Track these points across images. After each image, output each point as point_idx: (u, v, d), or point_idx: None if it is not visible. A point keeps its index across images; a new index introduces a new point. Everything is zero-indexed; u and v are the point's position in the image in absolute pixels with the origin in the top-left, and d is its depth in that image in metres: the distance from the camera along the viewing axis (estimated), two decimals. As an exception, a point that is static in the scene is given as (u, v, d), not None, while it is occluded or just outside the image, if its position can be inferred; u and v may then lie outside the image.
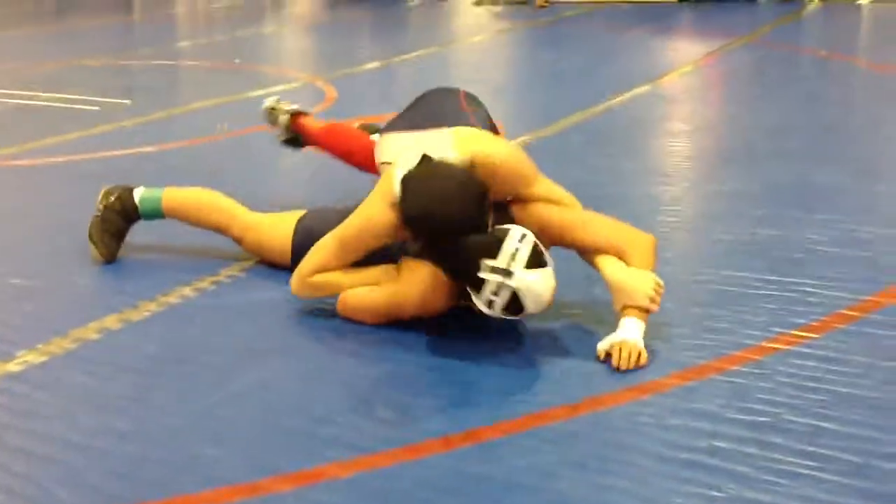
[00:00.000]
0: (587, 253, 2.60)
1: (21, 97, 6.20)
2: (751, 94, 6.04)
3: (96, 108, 5.83)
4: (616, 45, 8.15)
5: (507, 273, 2.35)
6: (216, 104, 5.95)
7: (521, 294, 2.35)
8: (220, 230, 3.13)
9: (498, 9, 10.87)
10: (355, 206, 2.72)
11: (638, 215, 3.12)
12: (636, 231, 2.61)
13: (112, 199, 3.16)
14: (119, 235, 3.17)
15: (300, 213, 3.02)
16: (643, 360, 2.35)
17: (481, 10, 10.85)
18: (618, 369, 2.33)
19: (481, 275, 2.35)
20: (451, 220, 2.41)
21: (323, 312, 2.72)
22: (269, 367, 2.45)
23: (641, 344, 2.37)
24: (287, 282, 2.73)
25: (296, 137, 3.68)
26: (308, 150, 3.79)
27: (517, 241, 2.37)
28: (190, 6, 12.16)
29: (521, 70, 7.68)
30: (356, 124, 3.64)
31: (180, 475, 1.97)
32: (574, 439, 2.08)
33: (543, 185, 2.69)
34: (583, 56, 7.64)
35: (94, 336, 2.64)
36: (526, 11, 10.44)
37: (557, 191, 2.71)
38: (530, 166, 2.70)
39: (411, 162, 2.57)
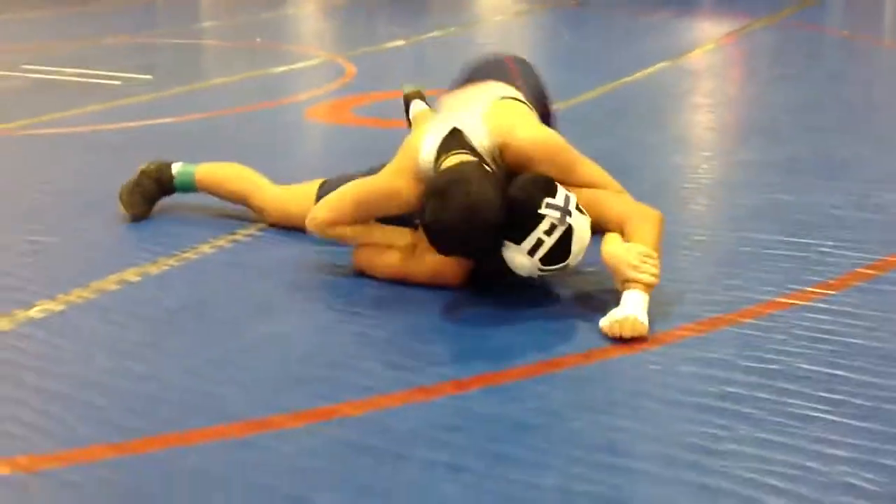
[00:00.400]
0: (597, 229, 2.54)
1: (45, 72, 6.26)
2: (772, 72, 6.01)
3: (118, 82, 5.88)
4: (639, 26, 8.12)
5: (566, 211, 2.35)
6: (238, 80, 5.99)
7: (573, 235, 2.35)
8: (246, 202, 3.16)
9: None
10: (378, 169, 2.73)
11: (659, 182, 3.13)
12: (642, 207, 2.55)
13: (151, 167, 3.24)
14: (150, 199, 3.24)
15: (320, 180, 3.04)
16: (642, 331, 2.28)
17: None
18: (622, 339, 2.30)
19: (542, 210, 2.34)
20: (467, 241, 2.34)
21: (340, 268, 2.74)
22: (286, 320, 2.47)
23: (642, 317, 2.30)
24: (303, 240, 2.75)
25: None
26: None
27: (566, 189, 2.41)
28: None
29: (543, 49, 7.66)
30: (405, 90, 3.51)
31: (195, 412, 2.00)
32: (585, 383, 2.09)
33: (584, 172, 2.59)
34: (605, 36, 7.62)
35: (114, 287, 2.67)
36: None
37: (600, 178, 2.61)
38: (567, 154, 2.59)
39: (440, 134, 2.54)
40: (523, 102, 2.76)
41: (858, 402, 1.96)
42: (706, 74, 6.00)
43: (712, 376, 2.09)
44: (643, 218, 2.49)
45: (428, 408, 2.00)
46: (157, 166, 3.24)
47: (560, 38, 8.03)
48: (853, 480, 1.70)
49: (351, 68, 6.21)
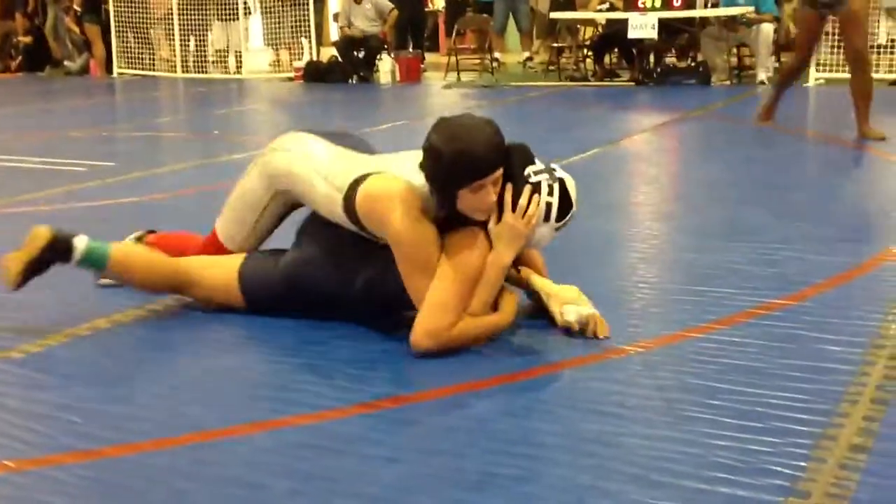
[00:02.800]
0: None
1: (13, 160, 6.56)
2: (694, 156, 6.52)
3: (83, 168, 6.19)
4: (576, 118, 8.66)
5: (550, 168, 2.69)
6: (197, 164, 6.35)
7: (567, 183, 2.68)
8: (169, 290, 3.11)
9: (467, 90, 11.43)
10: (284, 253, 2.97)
11: (588, 244, 3.54)
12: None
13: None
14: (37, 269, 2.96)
15: (238, 259, 3.06)
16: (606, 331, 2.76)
17: (451, 91, 11.40)
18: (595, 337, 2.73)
19: (533, 179, 2.63)
20: (490, 145, 2.57)
21: (287, 313, 3.03)
22: (240, 354, 2.77)
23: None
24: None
25: None
26: None
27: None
28: (170, 89, 12.67)
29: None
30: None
31: (165, 426, 2.28)
32: (510, 394, 2.42)
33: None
34: (545, 126, 8.12)
35: (86, 332, 2.95)
36: (493, 93, 11.00)
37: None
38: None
39: (410, 167, 2.68)
40: None
41: (734, 406, 2.31)
42: (636, 158, 6.48)
43: (615, 390, 2.43)
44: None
45: (369, 418, 2.31)
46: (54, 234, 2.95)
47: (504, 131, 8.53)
48: (726, 461, 2.04)
49: (304, 155, 6.59)
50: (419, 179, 2.67)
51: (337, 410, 2.35)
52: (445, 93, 11.27)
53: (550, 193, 2.66)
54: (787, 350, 2.66)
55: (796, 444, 2.10)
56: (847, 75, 9.93)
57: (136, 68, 13.89)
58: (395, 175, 2.72)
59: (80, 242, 2.94)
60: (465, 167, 2.56)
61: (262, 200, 3.09)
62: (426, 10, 15.92)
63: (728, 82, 10.60)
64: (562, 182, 2.70)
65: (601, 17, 11.84)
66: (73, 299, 3.32)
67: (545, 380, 2.56)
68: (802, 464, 2.01)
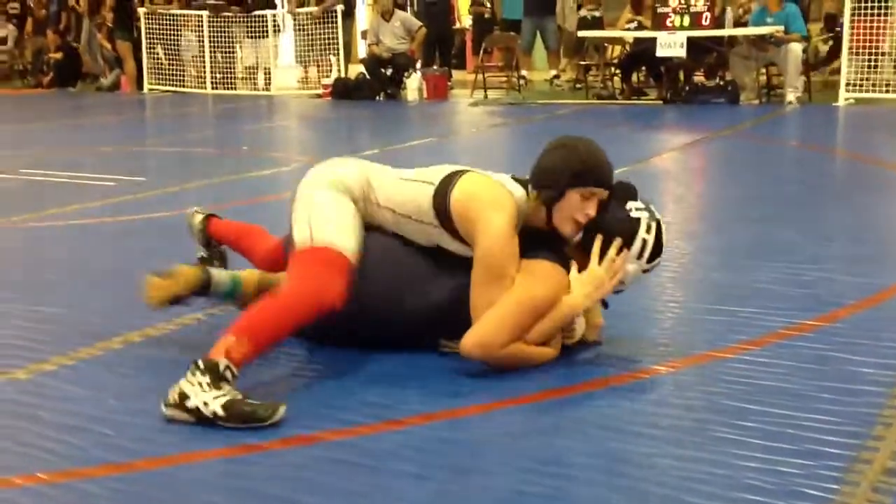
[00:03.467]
0: None
1: (43, 175, 6.65)
2: (723, 175, 6.49)
3: (112, 183, 6.26)
4: (603, 137, 8.62)
5: (650, 208, 2.71)
6: (227, 180, 6.40)
7: (662, 227, 2.70)
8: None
9: (494, 108, 11.46)
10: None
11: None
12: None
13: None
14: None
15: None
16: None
17: (478, 109, 11.44)
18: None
19: (634, 214, 2.67)
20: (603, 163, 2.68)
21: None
22: (266, 372, 2.78)
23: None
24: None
25: (209, 243, 3.51)
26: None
27: None
28: (200, 106, 12.79)
29: (512, 156, 8.15)
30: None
31: (195, 440, 2.29)
32: (539, 413, 2.42)
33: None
34: (570, 146, 8.14)
35: (118, 346, 2.98)
36: (520, 110, 11.02)
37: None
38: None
39: (500, 176, 2.77)
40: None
41: (765, 427, 2.29)
42: (664, 177, 6.47)
43: (645, 410, 2.42)
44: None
45: (398, 434, 2.31)
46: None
47: (531, 148, 8.55)
48: (755, 482, 2.02)
49: (332, 171, 6.63)
50: (516, 189, 2.72)
51: (367, 426, 2.35)
52: (472, 110, 11.31)
53: (648, 231, 2.67)
54: (817, 371, 2.64)
55: (828, 466, 2.08)
56: (877, 95, 9.88)
57: (166, 84, 14.04)
58: (495, 178, 2.76)
59: (218, 276, 2.97)
60: (592, 168, 2.67)
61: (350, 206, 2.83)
62: (454, 27, 16.00)
63: (757, 102, 10.56)
64: (658, 223, 2.72)
65: (629, 36, 11.84)
66: (107, 312, 3.36)
67: (576, 399, 2.55)
68: (834, 486, 2.00)
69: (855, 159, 6.92)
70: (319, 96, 12.84)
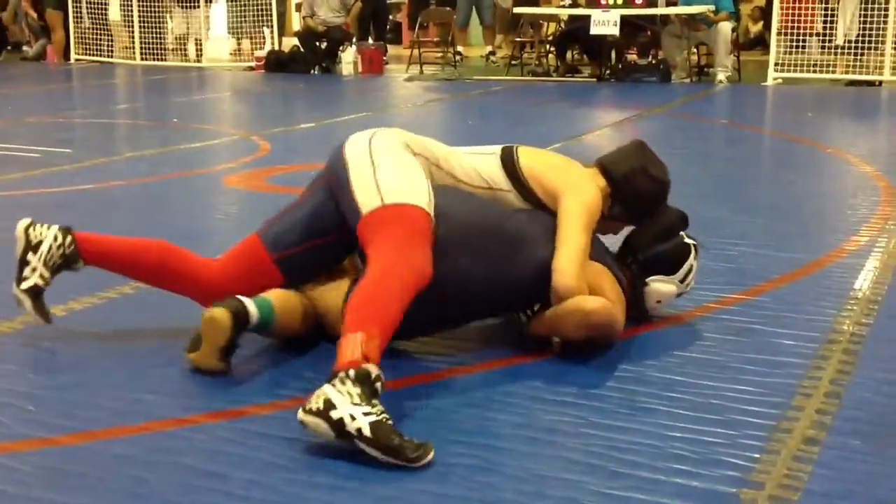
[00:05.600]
0: None
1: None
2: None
3: (38, 155, 6.10)
4: (538, 113, 8.69)
5: (695, 240, 2.84)
6: (155, 153, 6.27)
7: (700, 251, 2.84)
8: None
9: (429, 83, 11.42)
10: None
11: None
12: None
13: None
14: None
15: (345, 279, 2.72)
16: None
17: (413, 84, 11.39)
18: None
19: (687, 241, 2.83)
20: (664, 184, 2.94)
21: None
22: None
23: None
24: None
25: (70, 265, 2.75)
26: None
27: None
28: (128, 77, 12.51)
29: (445, 130, 8.14)
30: None
31: (120, 415, 2.25)
32: (468, 387, 2.43)
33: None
34: (506, 121, 8.15)
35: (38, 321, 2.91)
36: (455, 86, 11.00)
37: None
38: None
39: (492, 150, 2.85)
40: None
41: (691, 398, 2.33)
42: (596, 153, 6.47)
43: (576, 381, 2.44)
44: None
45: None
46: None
47: (465, 122, 8.54)
48: (681, 452, 2.06)
49: (265, 145, 6.55)
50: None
51: (293, 400, 2.33)
52: (407, 85, 11.25)
53: (695, 258, 2.83)
54: (742, 344, 2.70)
55: (751, 436, 2.13)
56: (804, 75, 10.07)
57: (93, 55, 13.69)
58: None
59: (252, 306, 2.50)
60: (662, 200, 2.94)
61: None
62: (389, 2, 15.87)
63: (688, 80, 10.69)
64: (696, 248, 2.85)
65: (564, 13, 11.89)
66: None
67: (503, 372, 2.56)
68: (756, 455, 2.04)
69: (781, 137, 7.07)
70: (252, 69, 12.66)
